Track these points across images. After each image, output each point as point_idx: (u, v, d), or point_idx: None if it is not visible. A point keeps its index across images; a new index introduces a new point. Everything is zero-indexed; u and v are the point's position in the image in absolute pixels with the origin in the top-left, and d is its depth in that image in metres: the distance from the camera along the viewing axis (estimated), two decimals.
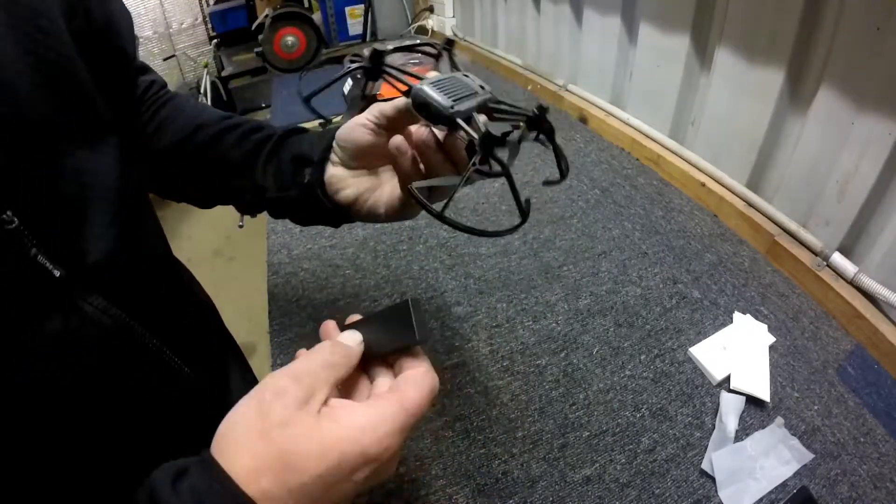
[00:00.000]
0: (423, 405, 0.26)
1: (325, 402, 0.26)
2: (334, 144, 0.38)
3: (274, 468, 0.22)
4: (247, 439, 0.23)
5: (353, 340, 0.30)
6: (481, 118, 0.30)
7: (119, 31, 0.40)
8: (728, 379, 0.49)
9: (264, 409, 0.24)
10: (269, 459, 0.23)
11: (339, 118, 1.05)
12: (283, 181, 0.40)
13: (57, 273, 0.27)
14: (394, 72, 0.33)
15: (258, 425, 0.23)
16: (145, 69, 0.47)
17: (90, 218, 0.31)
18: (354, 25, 1.65)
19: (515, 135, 0.31)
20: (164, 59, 2.85)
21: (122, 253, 0.33)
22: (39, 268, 0.27)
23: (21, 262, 0.26)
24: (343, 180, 0.38)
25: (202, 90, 2.73)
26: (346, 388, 0.30)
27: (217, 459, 0.23)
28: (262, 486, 0.22)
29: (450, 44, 0.40)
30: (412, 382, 0.27)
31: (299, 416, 0.24)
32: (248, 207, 0.45)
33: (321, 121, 0.97)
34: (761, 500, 0.40)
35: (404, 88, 0.32)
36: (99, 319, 0.30)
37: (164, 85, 0.48)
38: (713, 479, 0.41)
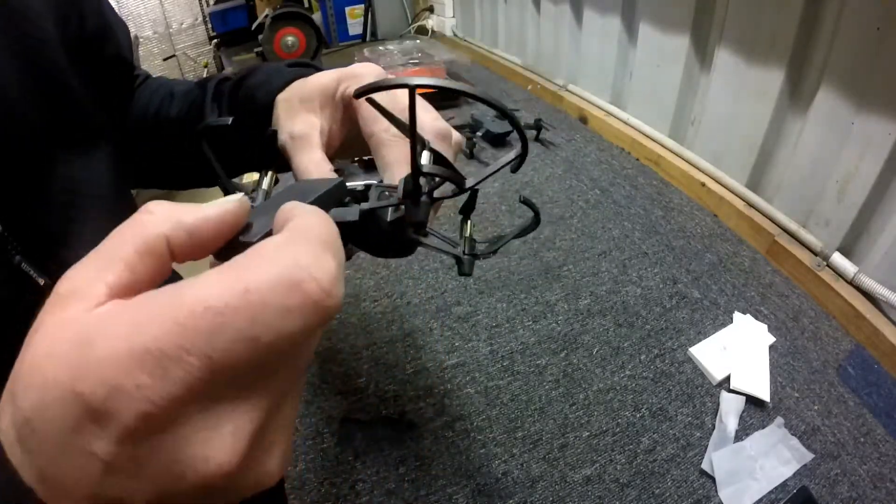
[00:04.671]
0: (225, 314, 0.13)
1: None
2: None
3: (8, 396, 0.15)
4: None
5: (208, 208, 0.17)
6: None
7: (115, 39, 0.39)
8: (728, 379, 0.49)
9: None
10: (9, 380, 0.15)
11: None
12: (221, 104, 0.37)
13: (42, 281, 0.27)
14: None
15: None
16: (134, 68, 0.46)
17: (78, 226, 0.30)
18: (354, 25, 1.65)
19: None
20: (164, 59, 2.85)
21: None
22: (23, 275, 0.26)
23: (4, 269, 0.25)
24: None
25: None
26: None
27: None
28: (3, 423, 0.14)
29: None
30: (225, 265, 0.15)
31: (47, 316, 0.15)
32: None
33: None
34: (761, 500, 0.40)
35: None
36: None
37: (146, 77, 0.47)
38: (713, 479, 0.41)
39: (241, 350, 0.13)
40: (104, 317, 0.14)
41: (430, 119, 0.29)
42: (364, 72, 0.29)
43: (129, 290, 0.15)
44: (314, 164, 0.29)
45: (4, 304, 0.26)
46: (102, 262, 0.15)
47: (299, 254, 0.15)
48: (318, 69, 0.35)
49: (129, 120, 0.43)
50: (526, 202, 0.29)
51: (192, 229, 0.16)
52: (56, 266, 0.28)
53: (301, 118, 0.30)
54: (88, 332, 0.14)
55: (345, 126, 0.31)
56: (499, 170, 0.24)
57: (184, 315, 0.13)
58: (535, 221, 0.29)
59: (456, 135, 0.30)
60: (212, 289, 0.14)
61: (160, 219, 0.16)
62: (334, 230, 0.17)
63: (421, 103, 0.29)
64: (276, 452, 0.16)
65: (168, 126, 0.41)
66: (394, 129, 0.26)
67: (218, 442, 0.14)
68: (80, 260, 0.16)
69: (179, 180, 0.47)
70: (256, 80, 0.35)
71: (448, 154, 0.29)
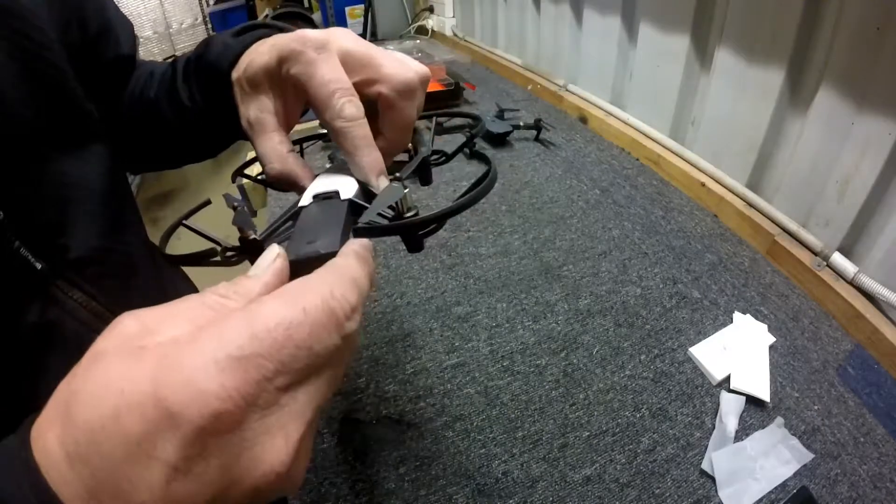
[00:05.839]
0: (291, 328, 0.16)
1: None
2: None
3: (59, 416, 0.15)
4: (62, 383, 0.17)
5: (262, 266, 0.20)
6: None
7: (118, 39, 0.40)
8: (728, 379, 0.49)
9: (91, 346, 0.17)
10: (57, 403, 0.16)
11: None
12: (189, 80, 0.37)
13: (38, 265, 0.28)
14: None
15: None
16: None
17: (72, 218, 0.32)
18: (354, 25, 1.65)
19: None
20: (164, 59, 2.85)
21: (103, 251, 0.34)
22: (21, 259, 0.28)
23: (3, 253, 0.27)
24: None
25: None
26: None
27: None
28: (47, 443, 0.15)
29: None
30: (281, 293, 0.18)
31: (114, 348, 0.16)
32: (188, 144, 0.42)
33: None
34: (761, 500, 0.40)
35: None
36: (78, 313, 0.31)
37: (140, 64, 0.46)
38: (713, 479, 0.41)
39: (303, 356, 0.17)
40: (186, 338, 0.16)
41: (393, 67, 0.29)
42: (302, 48, 0.27)
43: None
44: (272, 150, 0.29)
45: (3, 285, 0.27)
46: (185, 316, 0.18)
47: (335, 287, 0.18)
48: (273, 28, 0.34)
49: (122, 106, 0.43)
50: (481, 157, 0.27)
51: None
52: (52, 252, 0.30)
53: (253, 102, 0.30)
54: (171, 350, 0.16)
55: (300, 101, 0.31)
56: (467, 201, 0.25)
57: (260, 330, 0.16)
58: (486, 176, 0.27)
59: (423, 72, 0.30)
60: (280, 309, 0.17)
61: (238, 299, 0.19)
62: (365, 268, 0.21)
63: (378, 49, 0.30)
64: (305, 462, 0.18)
65: (148, 106, 0.41)
66: (347, 112, 0.27)
67: (271, 446, 0.16)
68: (149, 307, 0.18)
69: (169, 159, 0.47)
70: (211, 55, 0.35)
71: (409, 113, 0.30)
